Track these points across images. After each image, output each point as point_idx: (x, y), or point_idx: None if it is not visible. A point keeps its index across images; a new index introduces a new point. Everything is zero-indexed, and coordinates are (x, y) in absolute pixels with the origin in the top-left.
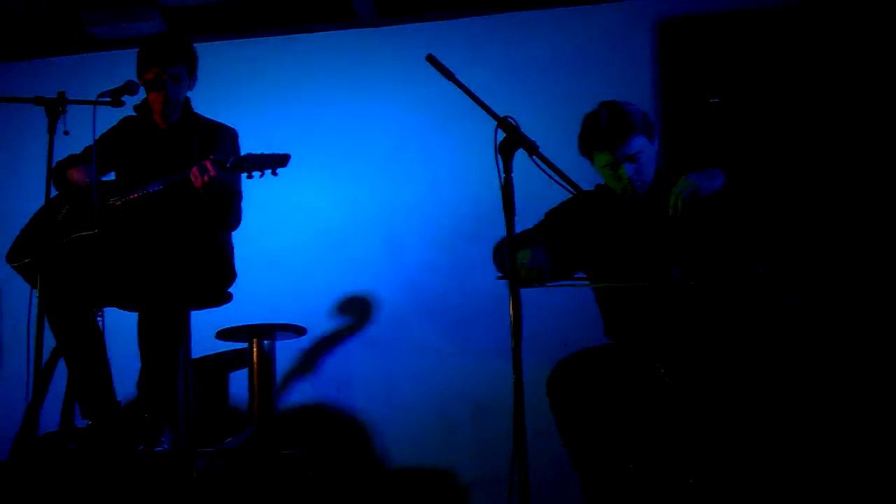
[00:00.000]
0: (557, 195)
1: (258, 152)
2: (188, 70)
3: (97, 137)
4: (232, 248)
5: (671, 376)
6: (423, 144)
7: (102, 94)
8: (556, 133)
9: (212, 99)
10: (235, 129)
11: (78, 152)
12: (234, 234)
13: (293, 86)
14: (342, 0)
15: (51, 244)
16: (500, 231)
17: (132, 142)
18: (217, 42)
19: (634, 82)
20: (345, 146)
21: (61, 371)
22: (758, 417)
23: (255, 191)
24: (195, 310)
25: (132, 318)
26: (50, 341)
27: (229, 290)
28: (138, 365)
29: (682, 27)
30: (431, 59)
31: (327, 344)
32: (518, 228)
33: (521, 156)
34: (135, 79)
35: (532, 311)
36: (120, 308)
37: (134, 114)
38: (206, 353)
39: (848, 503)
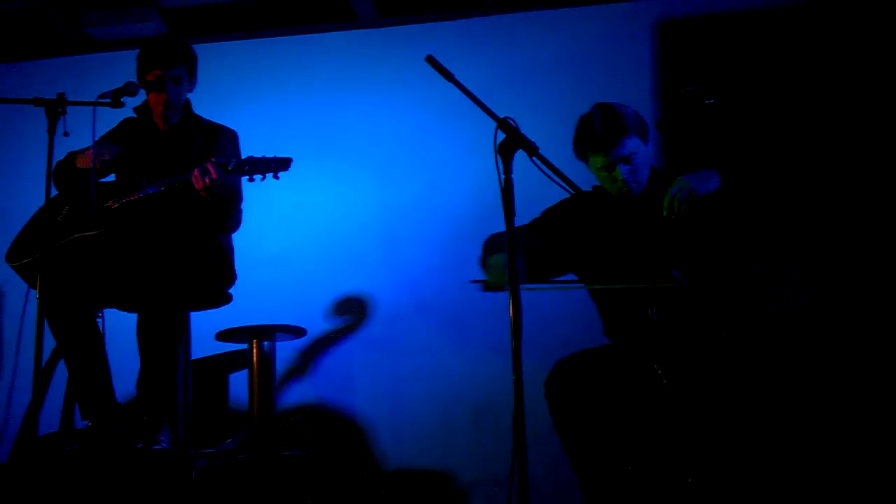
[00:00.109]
0: (557, 196)
1: (260, 155)
2: (189, 72)
3: (97, 138)
4: (232, 249)
5: (669, 377)
6: (423, 145)
7: (102, 96)
8: (555, 134)
9: (211, 100)
10: (236, 130)
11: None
12: (233, 234)
13: (292, 87)
14: (341, 1)
15: (51, 245)
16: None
17: (133, 143)
18: (216, 43)
19: (634, 84)
20: (345, 147)
21: (61, 372)
22: (756, 418)
23: (255, 192)
24: (195, 311)
25: (132, 318)
26: (50, 342)
27: (229, 291)
28: (138, 366)
29: (682, 29)
30: (431, 60)
31: (327, 345)
32: None
33: (520, 156)
34: (134, 80)
35: (532, 311)
36: (120, 309)
37: (134, 115)
38: (205, 354)
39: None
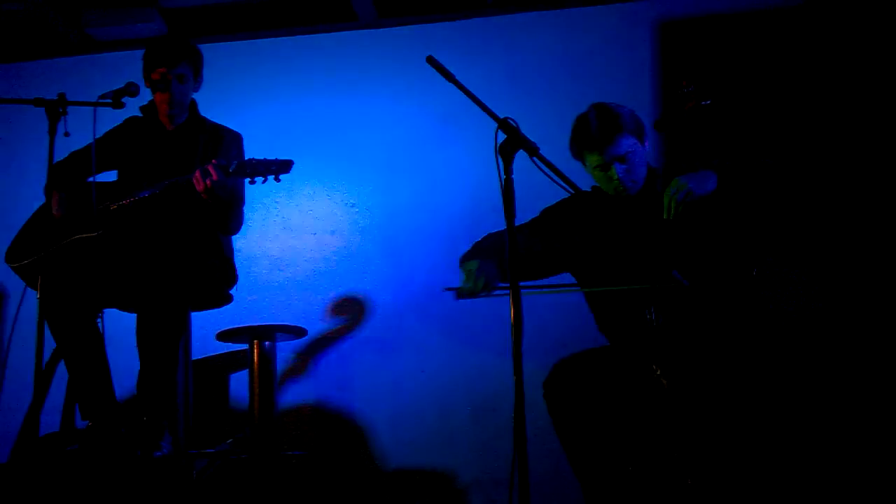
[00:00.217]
0: (557, 196)
1: (261, 157)
2: (194, 71)
3: (99, 136)
4: (233, 250)
5: (667, 377)
6: (423, 145)
7: (103, 96)
8: (556, 135)
9: (210, 100)
10: (240, 132)
11: (79, 149)
12: (234, 235)
13: (293, 87)
14: (342, 1)
15: (51, 246)
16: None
17: (137, 142)
18: (216, 43)
19: (634, 84)
20: (345, 147)
21: (62, 372)
22: (755, 418)
23: (256, 192)
24: (196, 311)
25: (132, 319)
26: (50, 343)
27: (230, 291)
28: (138, 365)
29: (682, 29)
30: (431, 61)
31: (327, 345)
32: None
33: (521, 157)
34: (134, 80)
35: (533, 311)
36: (120, 309)
37: (139, 115)
38: (206, 355)
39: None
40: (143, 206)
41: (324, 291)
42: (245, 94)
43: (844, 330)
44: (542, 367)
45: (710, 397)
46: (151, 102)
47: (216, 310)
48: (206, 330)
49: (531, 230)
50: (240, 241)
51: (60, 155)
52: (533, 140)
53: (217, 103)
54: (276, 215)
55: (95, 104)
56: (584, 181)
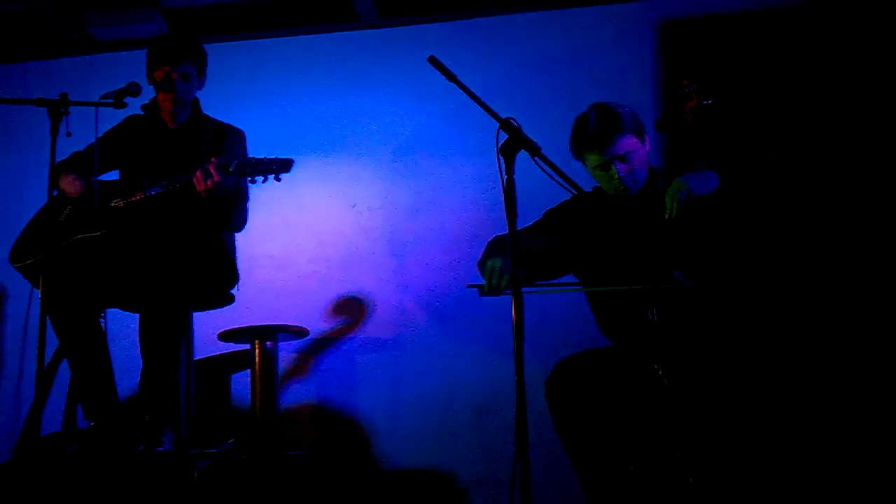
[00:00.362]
0: (559, 197)
1: (261, 157)
2: (197, 69)
3: (100, 135)
4: (234, 250)
5: (669, 377)
6: (424, 145)
7: (105, 96)
8: (557, 135)
9: (212, 100)
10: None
11: (81, 150)
12: (236, 235)
13: (294, 87)
14: (343, 1)
15: (54, 245)
16: (502, 232)
17: (139, 141)
18: (217, 43)
19: (635, 84)
20: (346, 147)
21: (64, 372)
22: (757, 418)
23: (257, 192)
24: (198, 311)
25: (134, 318)
26: (52, 343)
27: (231, 291)
28: (140, 365)
29: (682, 29)
30: (433, 61)
31: (328, 345)
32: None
33: (522, 157)
34: (136, 80)
35: (533, 311)
36: (122, 309)
37: (141, 113)
38: (208, 354)
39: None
40: (144, 206)
41: (325, 291)
42: (246, 94)
43: (844, 329)
44: (543, 367)
45: (711, 397)
46: (153, 100)
47: (218, 310)
48: (208, 330)
49: (534, 232)
50: (241, 241)
51: (62, 155)
52: (534, 140)
53: (218, 103)
54: (278, 215)
55: (97, 104)
56: (585, 181)
